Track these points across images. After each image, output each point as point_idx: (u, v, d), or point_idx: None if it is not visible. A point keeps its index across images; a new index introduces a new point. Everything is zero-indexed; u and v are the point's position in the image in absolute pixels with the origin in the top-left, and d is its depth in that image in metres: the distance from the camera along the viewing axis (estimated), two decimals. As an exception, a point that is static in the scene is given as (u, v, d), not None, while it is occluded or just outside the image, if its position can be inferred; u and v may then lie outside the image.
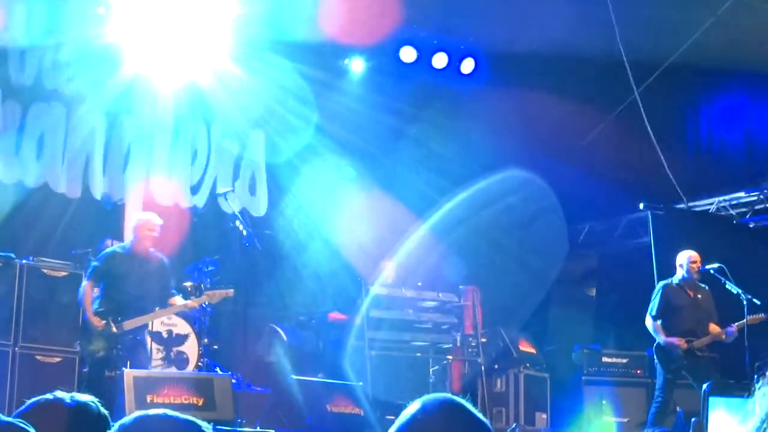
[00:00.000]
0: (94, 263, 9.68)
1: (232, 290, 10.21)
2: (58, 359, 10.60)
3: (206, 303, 10.24)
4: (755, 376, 11.70)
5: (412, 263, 13.49)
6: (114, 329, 9.36)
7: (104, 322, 9.37)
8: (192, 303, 10.05)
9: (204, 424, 2.29)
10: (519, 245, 15.57)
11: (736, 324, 10.79)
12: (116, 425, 2.27)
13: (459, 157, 15.29)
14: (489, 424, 2.22)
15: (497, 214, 14.39)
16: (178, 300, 9.97)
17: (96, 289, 9.61)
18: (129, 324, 9.46)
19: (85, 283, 9.60)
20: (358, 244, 14.68)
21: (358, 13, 13.80)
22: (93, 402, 2.77)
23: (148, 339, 10.57)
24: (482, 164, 15.14)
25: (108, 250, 9.79)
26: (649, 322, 10.93)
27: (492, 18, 14.46)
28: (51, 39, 13.00)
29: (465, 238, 15.18)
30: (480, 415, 2.21)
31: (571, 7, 13.76)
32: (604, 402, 12.67)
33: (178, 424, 2.23)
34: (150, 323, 10.65)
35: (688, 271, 10.94)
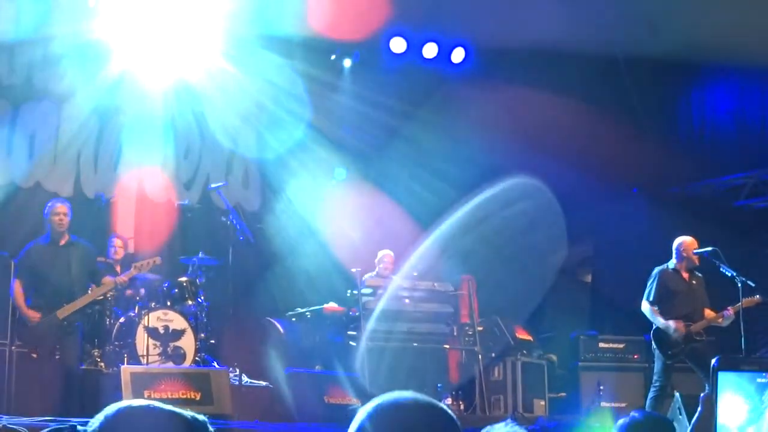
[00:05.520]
0: (18, 261, 9.74)
1: (159, 258, 10.38)
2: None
3: (137, 274, 10.29)
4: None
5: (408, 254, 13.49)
6: (49, 320, 9.37)
7: (39, 314, 9.41)
8: (121, 278, 10.12)
9: (192, 415, 2.26)
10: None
11: (731, 307, 10.79)
12: (100, 416, 2.24)
13: (449, 151, 15.30)
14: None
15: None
16: (107, 280, 9.99)
17: (24, 284, 9.67)
18: (62, 312, 9.48)
19: (13, 281, 9.69)
20: (352, 235, 14.68)
21: (348, 7, 13.84)
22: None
23: (144, 335, 10.61)
24: (472, 157, 15.16)
25: (28, 244, 9.84)
26: (645, 306, 10.92)
27: (483, 10, 14.47)
28: (40, 36, 13.00)
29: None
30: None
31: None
32: (601, 388, 12.68)
33: (160, 416, 2.20)
34: (146, 319, 10.68)
35: (685, 257, 10.95)
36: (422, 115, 15.44)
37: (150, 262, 10.21)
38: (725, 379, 1.94)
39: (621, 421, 2.92)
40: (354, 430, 2.07)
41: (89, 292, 9.90)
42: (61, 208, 9.75)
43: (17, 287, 9.61)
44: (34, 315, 9.40)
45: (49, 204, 9.89)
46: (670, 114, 15.01)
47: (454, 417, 2.08)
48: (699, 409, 1.89)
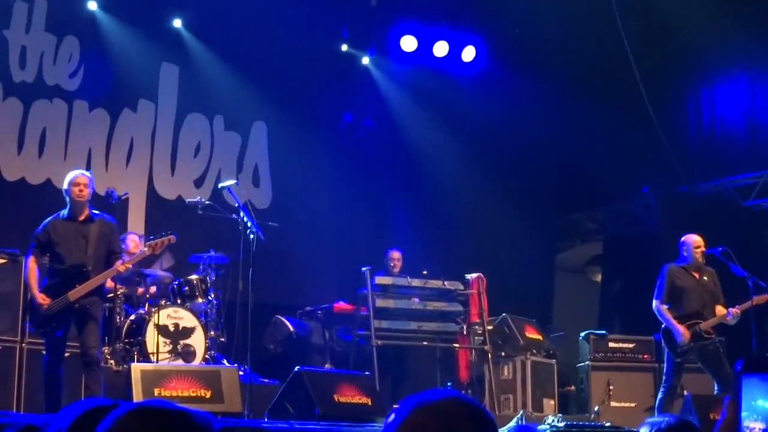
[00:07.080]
0: (35, 235, 9.24)
1: (173, 236, 9.68)
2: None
3: (150, 253, 9.76)
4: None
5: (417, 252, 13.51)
6: (60, 303, 9.01)
7: (49, 300, 9.00)
8: (133, 259, 9.57)
9: (197, 411, 2.24)
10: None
11: (738, 306, 10.76)
12: (109, 417, 2.23)
13: (460, 143, 15.33)
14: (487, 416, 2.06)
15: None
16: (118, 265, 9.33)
17: (42, 262, 9.23)
18: (73, 294, 9.03)
19: (28, 259, 9.24)
20: (362, 234, 14.70)
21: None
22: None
23: (155, 333, 10.61)
24: (483, 149, 15.19)
25: (48, 219, 9.32)
26: (655, 305, 10.89)
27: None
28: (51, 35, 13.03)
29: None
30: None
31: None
32: (611, 388, 12.65)
33: (168, 415, 2.19)
34: (156, 317, 10.68)
35: (692, 255, 10.91)
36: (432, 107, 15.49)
37: (164, 240, 9.58)
38: (750, 382, 1.92)
39: (651, 425, 2.87)
40: (394, 425, 2.03)
41: (100, 273, 9.38)
42: (82, 178, 9.20)
43: (31, 264, 9.14)
44: (43, 300, 9.08)
45: (70, 175, 9.35)
46: (680, 113, 14.98)
47: (493, 418, 2.06)
48: (722, 411, 1.87)
